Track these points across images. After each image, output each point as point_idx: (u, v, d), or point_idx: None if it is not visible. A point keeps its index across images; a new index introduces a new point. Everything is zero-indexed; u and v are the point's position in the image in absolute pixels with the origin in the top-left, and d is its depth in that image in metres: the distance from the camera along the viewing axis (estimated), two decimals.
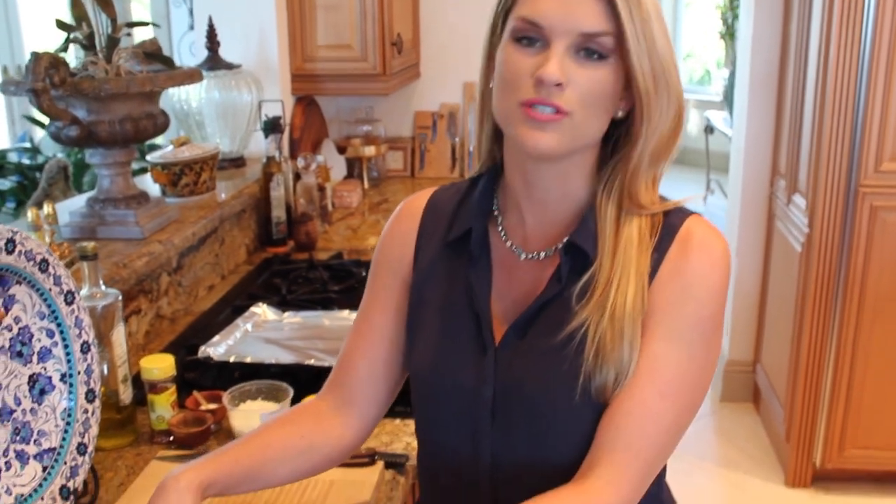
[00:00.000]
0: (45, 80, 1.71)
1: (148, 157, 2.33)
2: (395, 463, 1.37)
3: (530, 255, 1.08)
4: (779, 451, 3.31)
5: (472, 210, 1.11)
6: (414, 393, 1.14)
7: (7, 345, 1.19)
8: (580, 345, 0.99)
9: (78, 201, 2.14)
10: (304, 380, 1.58)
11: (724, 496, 3.15)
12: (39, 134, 5.05)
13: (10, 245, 1.15)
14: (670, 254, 1.01)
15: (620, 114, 1.01)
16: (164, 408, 1.50)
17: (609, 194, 1.03)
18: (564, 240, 1.05)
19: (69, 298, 1.27)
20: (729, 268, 1.02)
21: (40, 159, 4.38)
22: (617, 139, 1.04)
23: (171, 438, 1.48)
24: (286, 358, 1.68)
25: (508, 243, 1.10)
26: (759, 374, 3.59)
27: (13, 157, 4.39)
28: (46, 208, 1.78)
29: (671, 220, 1.03)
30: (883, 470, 3.06)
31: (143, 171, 2.95)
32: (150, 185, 2.34)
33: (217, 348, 1.72)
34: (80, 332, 1.28)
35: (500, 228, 1.11)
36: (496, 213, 1.12)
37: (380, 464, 1.34)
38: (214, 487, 1.00)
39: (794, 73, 3.15)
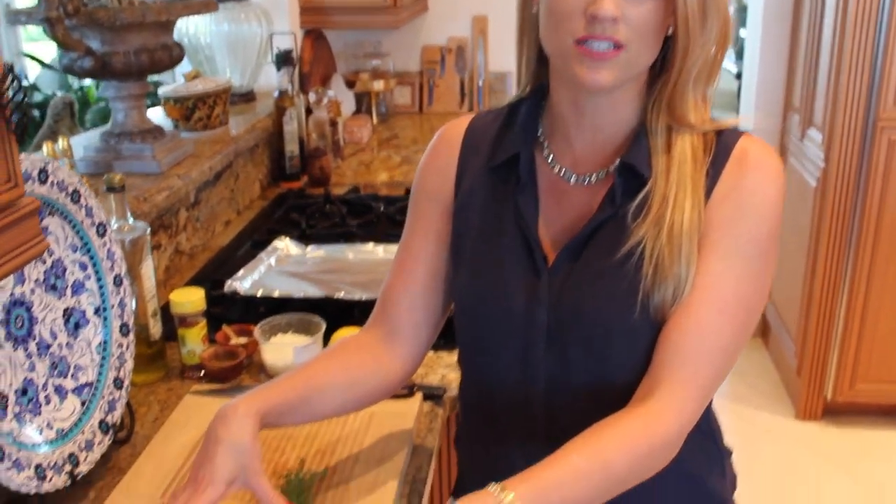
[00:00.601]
0: (59, 8, 1.66)
1: (160, 91, 2.28)
2: (432, 395, 1.35)
3: (580, 180, 1.06)
4: (788, 385, 3.32)
5: (517, 135, 1.09)
6: (458, 322, 1.12)
7: (41, 278, 1.16)
8: (638, 262, 0.98)
9: (92, 136, 2.10)
10: (333, 313, 1.56)
11: (734, 430, 3.14)
12: (35, 71, 4.97)
13: (43, 175, 1.11)
14: (726, 172, 0.99)
15: (669, 31, 0.99)
16: (195, 342, 1.48)
17: (659, 113, 1.02)
18: (617, 161, 1.02)
19: (101, 230, 1.24)
20: (784, 186, 1.00)
21: (37, 97, 4.31)
22: (664, 56, 1.01)
23: (203, 373, 1.46)
24: (314, 292, 1.66)
25: (556, 168, 1.07)
26: (768, 308, 3.59)
27: None
28: (61, 142, 1.74)
29: (725, 139, 1.01)
30: (893, 403, 3.08)
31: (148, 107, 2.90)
32: (161, 121, 2.29)
33: (242, 282, 1.70)
34: (112, 265, 1.26)
35: (547, 153, 1.08)
36: (541, 138, 1.10)
37: (418, 395, 1.32)
38: (268, 417, 0.99)
39: (810, 4, 3.09)
